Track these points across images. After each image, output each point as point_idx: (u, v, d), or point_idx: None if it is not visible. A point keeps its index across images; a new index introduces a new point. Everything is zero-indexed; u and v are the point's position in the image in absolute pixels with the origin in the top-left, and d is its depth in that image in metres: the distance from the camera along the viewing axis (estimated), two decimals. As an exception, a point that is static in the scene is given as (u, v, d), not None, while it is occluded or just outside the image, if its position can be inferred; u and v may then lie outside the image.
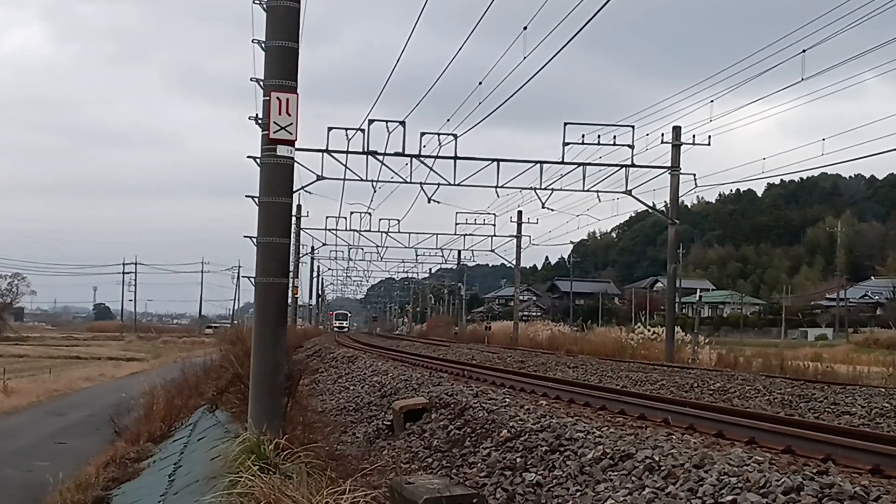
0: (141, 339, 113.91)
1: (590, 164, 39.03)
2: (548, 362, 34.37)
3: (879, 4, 26.70)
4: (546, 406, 14.69)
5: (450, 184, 39.30)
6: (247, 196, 25.66)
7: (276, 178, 10.83)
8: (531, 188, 41.61)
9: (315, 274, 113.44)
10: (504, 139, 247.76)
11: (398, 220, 61.08)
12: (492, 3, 19.61)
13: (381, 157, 37.82)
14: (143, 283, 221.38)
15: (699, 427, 12.55)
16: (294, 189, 11.79)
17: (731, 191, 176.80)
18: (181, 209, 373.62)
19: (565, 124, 37.42)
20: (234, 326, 53.24)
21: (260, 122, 10.90)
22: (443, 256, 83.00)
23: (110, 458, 18.78)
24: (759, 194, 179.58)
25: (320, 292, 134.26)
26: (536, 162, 39.31)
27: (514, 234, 66.86)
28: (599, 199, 41.85)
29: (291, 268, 59.13)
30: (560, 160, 38.29)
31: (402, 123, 36.34)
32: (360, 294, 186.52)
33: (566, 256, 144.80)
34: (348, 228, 62.19)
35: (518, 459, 10.56)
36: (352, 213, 59.89)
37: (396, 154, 37.49)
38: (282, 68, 10.78)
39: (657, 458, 8.89)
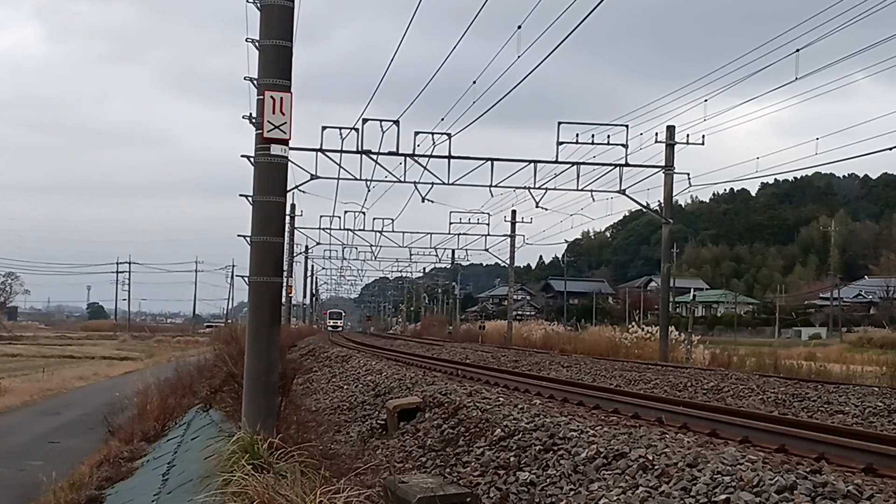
0: (135, 338, 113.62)
1: (584, 163, 39.12)
2: (542, 362, 34.39)
3: (872, 4, 26.76)
4: (540, 405, 14.70)
5: (444, 183, 39.36)
6: (241, 195, 25.64)
7: (270, 177, 10.82)
8: (525, 187, 41.71)
9: (309, 273, 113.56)
10: (498, 138, 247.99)
11: (392, 220, 61.18)
12: (486, 2, 19.63)
13: (375, 157, 37.85)
14: (136, 283, 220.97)
15: (693, 426, 12.57)
16: (288, 188, 11.78)
17: (725, 190, 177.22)
18: (175, 208, 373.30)
19: (559, 123, 37.56)
20: (228, 325, 53.17)
21: (254, 120, 10.89)
22: (437, 256, 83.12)
23: (104, 457, 18.76)
24: (753, 194, 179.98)
25: (314, 291, 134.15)
26: (530, 161, 39.38)
27: (508, 233, 66.89)
28: (593, 199, 41.96)
29: (285, 267, 59.21)
30: (554, 159, 38.38)
31: (396, 123, 36.40)
32: (355, 293, 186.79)
33: (560, 256, 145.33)
34: (342, 228, 62.28)
35: (512, 458, 10.56)
36: (346, 212, 60.05)
37: (390, 153, 37.52)
38: (276, 67, 10.77)
39: (651, 457, 8.89)
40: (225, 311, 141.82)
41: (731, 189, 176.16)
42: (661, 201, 41.41)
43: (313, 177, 38.80)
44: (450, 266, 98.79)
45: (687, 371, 28.59)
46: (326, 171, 39.96)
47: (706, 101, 38.20)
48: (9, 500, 18.61)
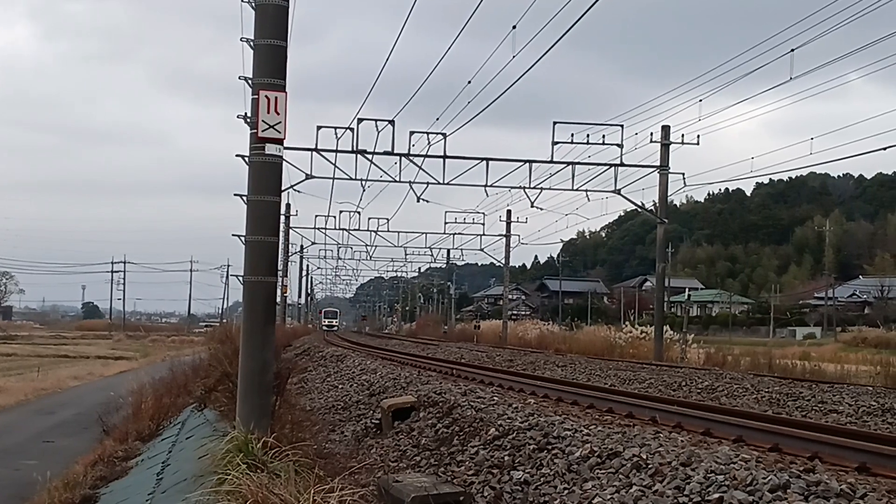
0: (129, 337, 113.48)
1: (579, 163, 39.15)
2: (536, 361, 34.41)
3: (866, 4, 26.81)
4: (534, 404, 14.70)
5: (439, 183, 39.37)
6: (235, 194, 25.59)
7: (265, 176, 10.83)
8: (520, 187, 41.71)
9: (304, 273, 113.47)
10: (493, 138, 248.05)
11: (387, 219, 61.16)
12: (480, 2, 19.63)
13: (370, 156, 37.85)
14: (131, 282, 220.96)
15: (687, 425, 12.58)
16: (283, 188, 11.78)
17: (720, 190, 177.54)
18: (170, 208, 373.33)
19: (554, 123, 37.55)
20: (223, 325, 53.13)
21: (248, 120, 10.89)
22: (432, 255, 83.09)
23: (98, 456, 18.74)
24: (748, 193, 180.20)
25: (309, 291, 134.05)
26: (525, 161, 39.41)
27: (504, 233, 66.95)
28: (588, 199, 41.98)
29: (280, 266, 59.17)
30: (549, 159, 38.40)
31: (392, 122, 36.39)
32: (350, 293, 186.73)
33: (555, 255, 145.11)
34: (337, 227, 62.30)
35: (506, 458, 10.57)
36: (341, 211, 59.97)
37: (385, 153, 37.52)
38: (270, 67, 10.78)
39: (645, 457, 8.90)
40: (220, 311, 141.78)
41: (726, 189, 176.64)
42: (656, 201, 41.45)
43: (308, 176, 38.77)
44: (445, 266, 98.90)
45: (681, 370, 28.62)
46: (321, 171, 39.90)
47: (701, 100, 38.19)
48: (3, 500, 18.58)
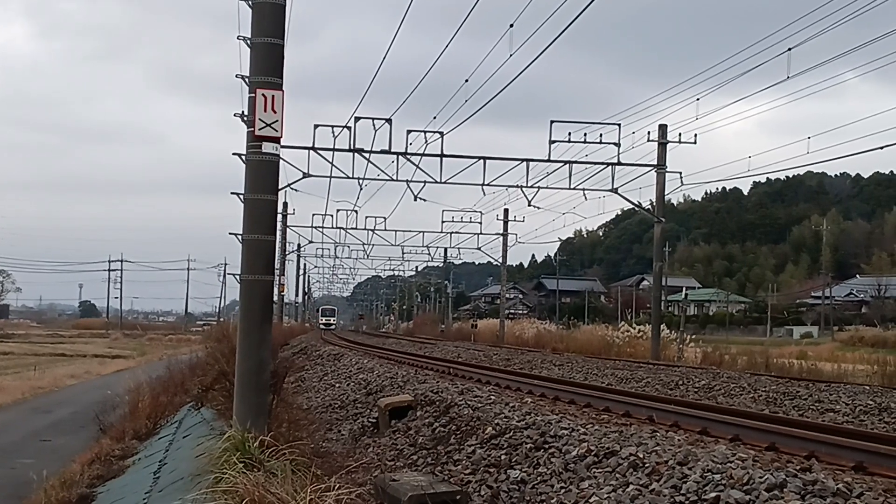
0: (127, 336, 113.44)
1: (576, 162, 39.14)
2: (533, 360, 34.41)
3: (863, 4, 26.82)
4: (531, 404, 14.70)
5: (436, 181, 39.40)
6: (232, 193, 25.60)
7: (262, 175, 10.83)
8: (517, 186, 41.64)
9: (301, 272, 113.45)
10: (490, 137, 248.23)
11: (384, 218, 61.24)
12: (478, 1, 19.62)
13: (367, 155, 37.83)
14: (128, 281, 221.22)
15: (684, 424, 12.58)
16: (280, 186, 11.78)
17: (717, 189, 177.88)
18: (167, 206, 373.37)
19: (552, 122, 37.56)
20: (220, 324, 53.12)
21: (245, 119, 10.89)
22: (429, 254, 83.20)
23: (95, 455, 18.72)
24: (745, 192, 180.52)
25: (307, 290, 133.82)
26: (523, 160, 39.40)
27: (501, 232, 66.95)
28: (585, 198, 41.95)
29: (277, 265, 59.14)
30: (546, 158, 38.38)
31: (389, 121, 36.38)
32: (347, 292, 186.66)
33: (552, 254, 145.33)
34: (335, 226, 62.42)
35: (503, 457, 10.57)
36: (338, 210, 60.15)
37: (383, 151, 37.50)
38: (267, 65, 10.77)
39: (641, 455, 8.90)
40: (217, 310, 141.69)
41: (723, 188, 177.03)
42: (654, 200, 41.47)
43: (305, 175, 38.76)
44: (442, 264, 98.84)
45: (678, 370, 28.62)
46: (318, 170, 39.89)
47: (698, 99, 38.46)
48: (0, 498, 18.58)
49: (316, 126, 37.16)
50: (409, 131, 37.84)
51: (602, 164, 39.17)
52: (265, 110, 10.51)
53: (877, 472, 8.96)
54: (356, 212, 60.18)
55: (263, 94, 10.52)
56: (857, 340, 73.41)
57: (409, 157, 38.28)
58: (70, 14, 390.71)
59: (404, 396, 15.84)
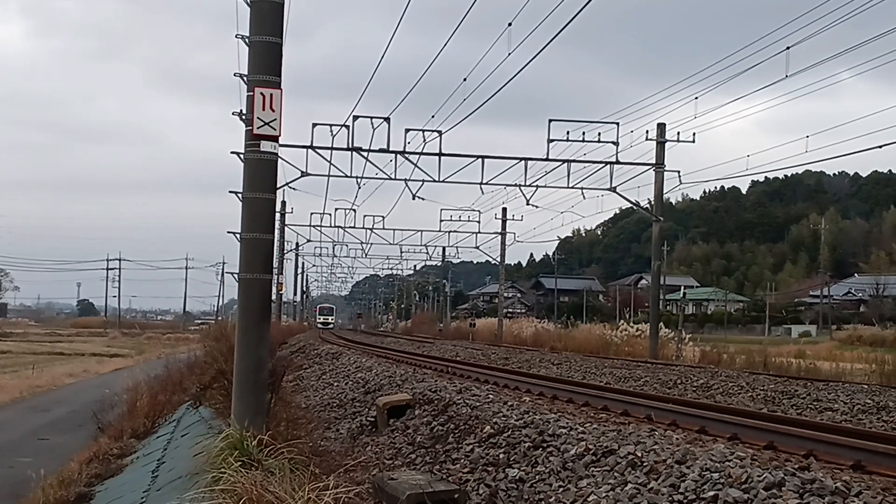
0: (125, 335, 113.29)
1: (574, 160, 39.12)
2: (532, 359, 34.41)
3: (861, 3, 26.81)
4: (529, 402, 14.70)
5: (434, 180, 39.38)
6: (230, 192, 25.62)
7: (260, 173, 10.82)
8: (516, 185, 41.64)
9: (299, 270, 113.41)
10: (488, 136, 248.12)
11: (383, 217, 61.27)
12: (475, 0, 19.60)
13: (365, 154, 37.80)
14: (127, 280, 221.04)
15: (682, 423, 12.58)
16: (278, 185, 11.78)
17: (716, 188, 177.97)
18: (165, 205, 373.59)
19: (550, 121, 37.54)
20: (218, 322, 53.13)
21: (244, 117, 10.88)
22: (427, 253, 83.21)
23: (93, 454, 18.72)
24: (744, 191, 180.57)
25: (305, 289, 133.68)
26: (521, 159, 39.40)
27: (499, 230, 66.92)
28: (584, 196, 41.95)
29: (275, 264, 59.11)
30: (545, 157, 38.38)
31: (387, 120, 36.36)
32: (345, 291, 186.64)
33: (551, 253, 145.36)
34: (333, 225, 62.37)
35: (501, 455, 10.56)
36: (336, 209, 60.12)
37: (381, 150, 37.49)
38: (266, 64, 10.76)
39: (640, 454, 8.90)
40: (215, 308, 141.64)
41: (722, 187, 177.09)
42: (652, 199, 41.45)
43: (303, 174, 38.74)
44: (440, 263, 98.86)
45: (677, 368, 28.63)
46: (317, 168, 40.06)
47: (696, 98, 38.28)
48: (-2, 497, 18.58)
49: (314, 125, 37.18)
50: (407, 130, 37.87)
51: (600, 162, 39.17)
52: (263, 109, 10.50)
53: (875, 470, 8.96)
54: (354, 210, 60.26)
55: (262, 93, 10.51)
56: (856, 339, 73.40)
57: (407, 155, 38.27)
58: (67, 13, 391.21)
59: (403, 395, 15.83)
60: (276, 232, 13.53)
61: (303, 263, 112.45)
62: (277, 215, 60.54)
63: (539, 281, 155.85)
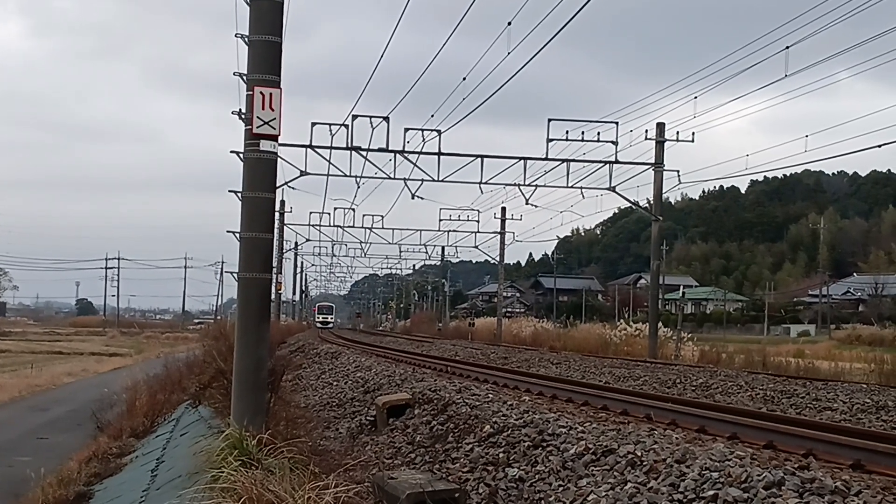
0: (124, 334, 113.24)
1: (573, 160, 39.10)
2: (531, 359, 34.41)
3: (857, 4, 26.80)
4: (529, 402, 14.71)
5: (434, 180, 39.37)
6: (230, 191, 25.61)
7: (260, 172, 10.81)
8: (515, 184, 41.62)
9: (299, 270, 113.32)
10: (488, 135, 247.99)
11: (382, 216, 61.29)
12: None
13: (364, 153, 37.78)
14: (125, 279, 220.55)
15: (681, 423, 12.59)
16: (277, 184, 11.77)
17: (715, 187, 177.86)
18: (164, 204, 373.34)
19: (549, 121, 37.50)
20: (217, 322, 53.08)
21: (243, 116, 10.87)
22: (426, 253, 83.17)
23: (92, 453, 18.72)
24: (743, 191, 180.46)
25: (304, 288, 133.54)
26: (520, 158, 39.39)
27: (498, 230, 66.86)
28: (583, 196, 41.96)
29: (275, 263, 59.09)
30: (544, 156, 38.36)
31: (386, 119, 36.34)
32: (344, 290, 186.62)
33: (550, 253, 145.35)
34: (332, 224, 62.35)
35: (501, 455, 10.57)
36: (335, 208, 60.10)
37: (380, 150, 37.47)
38: (265, 63, 10.75)
39: (639, 454, 8.91)
40: (214, 308, 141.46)
41: (721, 186, 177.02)
42: (651, 198, 41.45)
43: (303, 173, 38.72)
44: (439, 263, 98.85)
45: (676, 368, 28.64)
46: (316, 168, 40.02)
47: (696, 98, 38.21)
48: (-3, 496, 18.57)
49: (313, 124, 37.15)
50: (406, 129, 37.84)
51: (599, 162, 39.15)
52: (263, 108, 10.49)
53: (875, 470, 8.96)
54: (353, 210, 60.26)
55: (261, 92, 10.50)
56: (855, 339, 73.41)
57: (406, 155, 38.25)
58: (64, 12, 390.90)
59: (402, 395, 15.84)
60: (276, 231, 13.51)
61: (302, 263, 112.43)
62: (277, 214, 60.57)
63: (538, 280, 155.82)
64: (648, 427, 11.44)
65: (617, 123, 37.75)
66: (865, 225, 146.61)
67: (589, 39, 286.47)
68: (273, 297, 61.83)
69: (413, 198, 42.85)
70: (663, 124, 39.68)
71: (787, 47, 30.20)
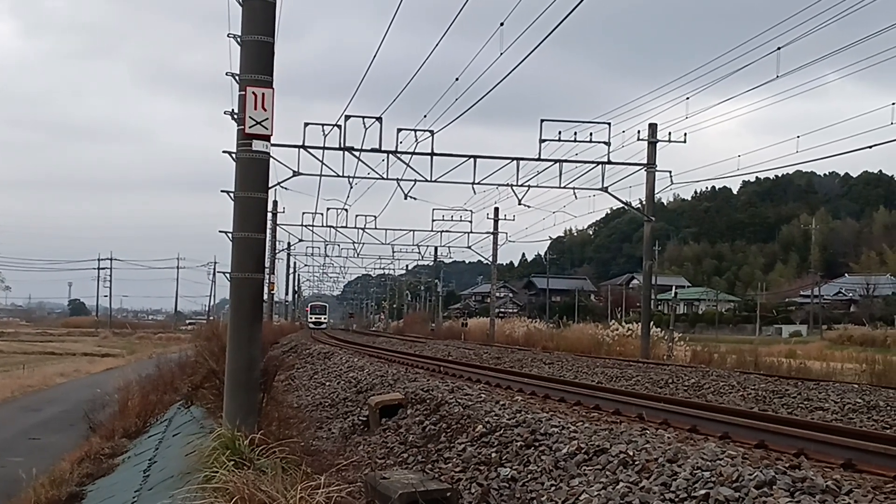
0: (116, 334, 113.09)
1: (566, 161, 39.10)
2: (524, 359, 34.43)
3: (851, 3, 26.85)
4: (521, 402, 14.72)
5: (426, 180, 39.35)
6: (222, 191, 25.60)
7: (252, 172, 10.81)
8: (508, 185, 41.61)
9: (291, 270, 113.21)
10: (480, 136, 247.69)
11: (375, 217, 61.17)
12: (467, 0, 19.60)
13: (357, 153, 37.76)
14: (118, 279, 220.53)
15: (673, 422, 12.61)
16: (270, 184, 11.77)
17: (707, 188, 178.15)
18: (156, 204, 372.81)
19: (542, 121, 37.47)
20: (210, 322, 53.04)
21: (235, 116, 10.88)
22: (419, 253, 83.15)
23: (85, 453, 18.71)
24: (735, 192, 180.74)
25: (296, 288, 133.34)
26: (513, 159, 39.37)
27: (491, 230, 66.92)
28: (576, 196, 41.98)
29: (267, 264, 59.09)
30: (536, 157, 38.35)
31: (379, 119, 36.30)
32: (337, 291, 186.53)
33: (543, 253, 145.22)
34: (325, 224, 62.29)
35: (493, 454, 10.58)
36: (328, 209, 60.02)
37: (373, 150, 37.43)
38: (258, 63, 10.76)
39: (631, 453, 8.92)
40: (207, 308, 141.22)
41: (713, 187, 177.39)
42: (643, 199, 41.48)
43: (295, 173, 38.67)
44: (432, 263, 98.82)
45: (668, 368, 28.67)
46: (309, 168, 39.91)
47: (688, 98, 38.22)
48: (-11, 497, 18.53)
49: (306, 124, 37.11)
50: (399, 130, 37.80)
51: (592, 162, 39.17)
52: (255, 108, 10.49)
53: (866, 469, 8.99)
54: (346, 210, 60.14)
55: (254, 92, 10.51)
56: (846, 339, 73.52)
57: (399, 155, 38.23)
58: (55, 11, 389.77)
59: (395, 395, 15.85)
60: (268, 231, 13.52)
61: (294, 263, 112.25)
62: (269, 215, 60.48)
63: (531, 281, 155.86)
64: (640, 427, 11.46)
65: (609, 124, 37.79)
66: (857, 225, 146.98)
67: (581, 40, 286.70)
68: (265, 297, 61.79)
69: (406, 198, 42.87)
70: (655, 125, 39.71)
71: (779, 48, 30.25)
